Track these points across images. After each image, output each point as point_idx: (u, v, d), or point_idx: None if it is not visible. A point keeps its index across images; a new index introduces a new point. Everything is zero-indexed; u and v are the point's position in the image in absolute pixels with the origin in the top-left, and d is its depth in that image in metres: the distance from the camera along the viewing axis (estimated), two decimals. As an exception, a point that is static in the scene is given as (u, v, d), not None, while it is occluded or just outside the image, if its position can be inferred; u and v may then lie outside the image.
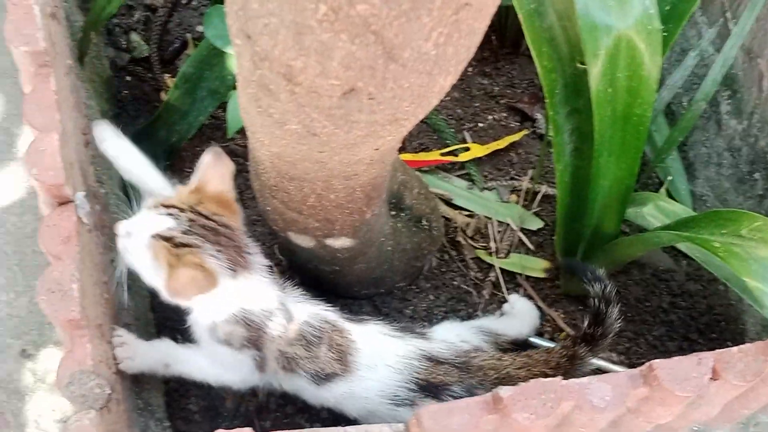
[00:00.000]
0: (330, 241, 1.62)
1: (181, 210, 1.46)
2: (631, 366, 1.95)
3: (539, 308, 1.98)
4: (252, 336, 1.53)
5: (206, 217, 1.46)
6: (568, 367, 1.69)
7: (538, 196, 2.13)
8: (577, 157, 1.73)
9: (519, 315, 1.91)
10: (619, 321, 1.70)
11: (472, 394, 1.64)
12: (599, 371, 1.92)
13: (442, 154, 2.16)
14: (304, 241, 1.64)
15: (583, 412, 1.44)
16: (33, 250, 1.87)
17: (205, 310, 1.52)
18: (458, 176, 2.16)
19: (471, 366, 1.65)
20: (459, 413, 1.42)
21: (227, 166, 1.49)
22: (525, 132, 2.22)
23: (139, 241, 1.46)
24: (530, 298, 2.00)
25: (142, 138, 1.98)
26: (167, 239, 1.44)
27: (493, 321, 1.87)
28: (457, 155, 2.15)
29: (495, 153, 2.19)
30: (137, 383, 1.72)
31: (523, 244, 2.08)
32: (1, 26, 1.57)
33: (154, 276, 1.46)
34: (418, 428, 1.41)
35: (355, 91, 0.99)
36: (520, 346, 1.89)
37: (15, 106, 2.02)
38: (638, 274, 2.06)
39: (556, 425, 1.46)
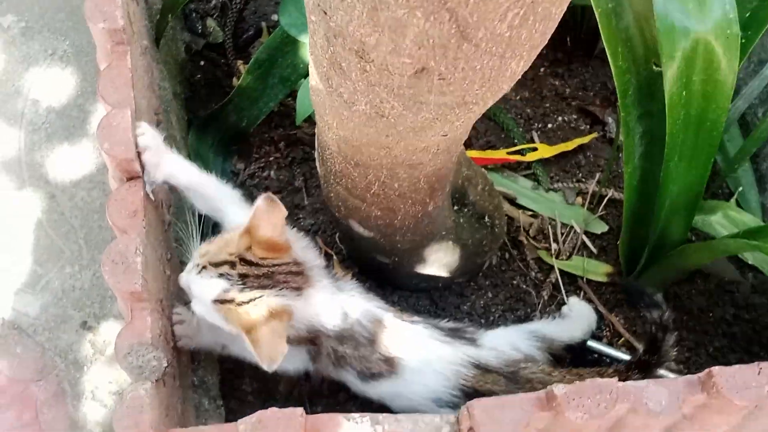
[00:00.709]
0: (390, 230, 1.63)
1: (231, 265, 1.45)
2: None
3: (599, 313, 1.95)
4: (311, 337, 1.54)
5: (258, 265, 1.45)
6: None
7: (605, 200, 2.10)
8: (646, 161, 1.70)
9: (575, 317, 1.89)
10: (676, 348, 1.68)
11: None
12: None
13: (509, 153, 2.14)
14: (365, 230, 1.65)
15: (638, 415, 1.42)
16: (99, 225, 1.90)
17: None
18: (524, 176, 2.14)
19: (519, 377, 1.64)
20: (511, 408, 1.41)
21: (280, 213, 1.46)
22: (594, 135, 2.19)
23: (204, 304, 1.48)
24: (590, 302, 1.98)
25: (211, 122, 2.01)
26: (228, 302, 1.45)
27: (547, 325, 1.84)
28: (524, 155, 2.14)
29: (562, 155, 2.17)
30: (193, 360, 1.75)
31: (586, 247, 2.06)
32: (81, 5, 1.60)
33: (236, 336, 1.46)
34: (469, 421, 1.40)
35: (426, 70, 0.99)
36: (575, 351, 1.87)
37: (90, 83, 2.05)
38: (702, 284, 2.02)
39: (609, 427, 1.44)
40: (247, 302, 1.43)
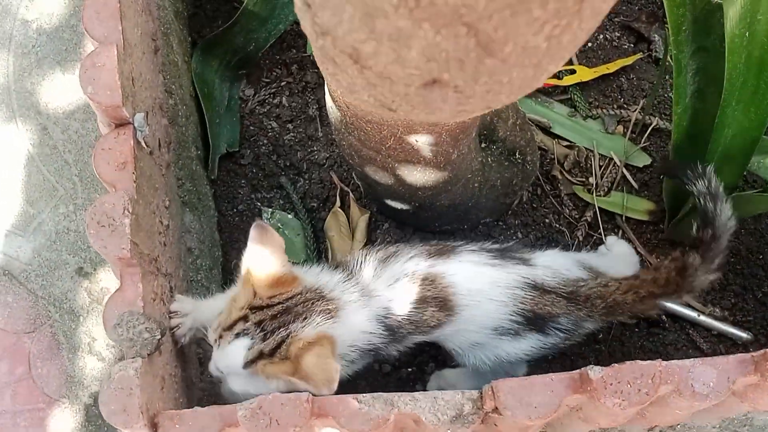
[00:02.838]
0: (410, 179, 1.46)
1: (244, 320, 1.34)
2: (735, 324, 1.77)
3: (638, 254, 1.79)
4: (370, 349, 1.44)
5: (269, 306, 1.35)
6: (680, 281, 1.53)
7: (649, 129, 1.91)
8: (699, 100, 1.54)
9: (620, 257, 1.73)
10: (732, 221, 1.53)
11: (579, 328, 1.54)
12: (706, 334, 1.76)
13: (544, 76, 1.95)
14: (382, 178, 1.48)
15: (683, 397, 1.28)
16: (96, 160, 1.75)
17: None
18: (560, 101, 1.95)
19: (579, 296, 1.51)
20: (541, 389, 1.28)
21: (273, 243, 1.35)
22: (639, 55, 1.98)
23: (239, 377, 1.36)
24: (629, 242, 1.82)
25: (217, 44, 1.83)
26: (259, 359, 1.33)
27: (594, 257, 1.69)
28: (560, 78, 1.94)
29: (603, 77, 1.97)
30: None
31: (626, 181, 1.89)
32: None
33: (287, 386, 1.33)
34: (493, 401, 1.27)
35: (438, 83, 0.80)
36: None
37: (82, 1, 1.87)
38: (753, 223, 1.85)
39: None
40: (277, 347, 1.32)
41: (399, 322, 1.43)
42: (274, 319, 1.33)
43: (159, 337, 1.31)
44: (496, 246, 1.57)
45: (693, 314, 1.76)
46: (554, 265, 1.55)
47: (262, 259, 1.36)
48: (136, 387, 1.24)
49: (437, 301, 1.45)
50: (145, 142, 1.42)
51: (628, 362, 1.26)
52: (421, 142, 1.29)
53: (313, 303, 1.36)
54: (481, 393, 1.29)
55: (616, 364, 1.26)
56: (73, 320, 1.67)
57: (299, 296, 1.36)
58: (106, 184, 1.38)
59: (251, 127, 1.88)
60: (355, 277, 1.43)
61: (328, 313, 1.36)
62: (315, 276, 1.42)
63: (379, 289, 1.44)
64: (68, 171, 1.76)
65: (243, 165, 1.85)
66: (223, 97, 1.86)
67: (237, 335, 1.33)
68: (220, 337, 1.36)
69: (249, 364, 1.33)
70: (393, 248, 1.49)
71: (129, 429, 1.24)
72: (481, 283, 1.48)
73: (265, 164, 1.85)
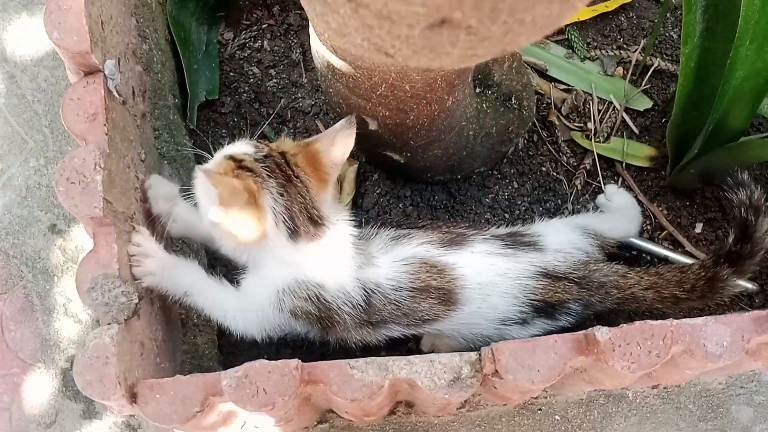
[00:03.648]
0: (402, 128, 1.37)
1: (270, 150, 1.30)
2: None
3: (639, 203, 1.71)
4: (321, 315, 1.34)
5: (288, 164, 1.29)
6: (707, 291, 1.47)
7: (650, 71, 1.81)
8: (707, 39, 1.45)
9: (621, 211, 1.66)
10: None
11: (590, 312, 1.48)
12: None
13: (539, 15, 1.84)
14: (371, 127, 1.39)
15: (694, 358, 1.21)
16: (67, 109, 1.65)
17: (266, 268, 1.32)
18: (556, 42, 1.85)
19: (591, 282, 1.45)
20: (544, 352, 1.21)
21: (347, 144, 1.29)
22: (639, -9, 1.88)
23: (210, 163, 1.30)
24: (629, 190, 1.73)
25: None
26: (236, 161, 1.27)
27: (595, 218, 1.62)
28: (556, 17, 1.84)
29: (602, 16, 1.87)
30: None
31: (626, 126, 1.80)
32: None
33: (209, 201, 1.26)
34: (493, 364, 1.20)
35: (448, 23, 0.69)
36: (624, 248, 1.65)
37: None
38: (758, 169, 1.76)
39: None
40: (247, 170, 1.26)
41: (385, 304, 1.35)
42: (277, 169, 1.28)
43: (136, 301, 1.22)
44: (506, 231, 1.49)
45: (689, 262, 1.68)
46: (563, 244, 1.48)
47: (328, 144, 1.29)
48: (112, 356, 1.16)
49: (441, 292, 1.38)
50: (117, 91, 1.32)
51: (637, 322, 1.18)
52: (416, 89, 1.19)
53: (301, 211, 1.28)
54: (480, 355, 1.22)
55: (624, 325, 1.18)
56: (47, 280, 1.58)
57: (306, 193, 1.29)
58: (76, 137, 1.28)
59: (231, 74, 1.77)
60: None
61: (295, 229, 1.28)
62: (334, 212, 1.35)
63: (380, 260, 1.36)
64: (38, 122, 1.65)
65: (223, 113, 1.75)
66: (200, 41, 1.75)
67: (254, 146, 1.30)
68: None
69: (228, 157, 1.28)
70: (405, 231, 1.42)
71: (106, 400, 1.17)
72: (492, 276, 1.41)
73: (247, 112, 1.75)
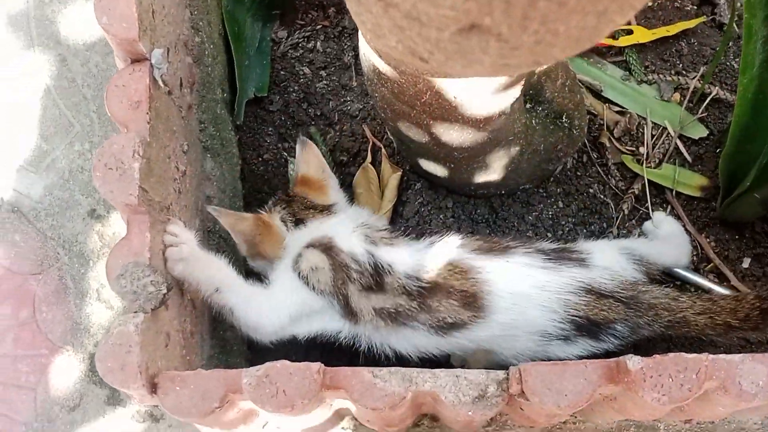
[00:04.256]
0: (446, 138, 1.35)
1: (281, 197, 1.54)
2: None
3: (687, 232, 1.67)
4: (335, 276, 1.37)
5: (287, 194, 1.53)
6: (760, 322, 1.43)
7: (707, 99, 1.77)
8: (767, 70, 1.39)
9: (670, 239, 1.63)
10: None
11: (637, 337, 1.45)
12: None
13: (598, 35, 1.80)
14: (416, 135, 1.37)
15: (728, 395, 1.17)
16: (117, 96, 1.65)
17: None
18: (613, 63, 1.82)
19: (640, 303, 1.42)
20: (573, 376, 1.17)
21: (312, 156, 1.52)
22: (702, 19, 1.84)
23: None
24: (678, 218, 1.69)
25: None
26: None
27: (643, 244, 1.59)
28: (616, 38, 1.81)
29: (662, 40, 1.83)
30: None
31: (679, 153, 1.76)
32: None
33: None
34: (520, 384, 1.17)
35: (477, 28, 0.66)
36: (668, 277, 1.63)
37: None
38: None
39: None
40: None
41: (395, 288, 1.38)
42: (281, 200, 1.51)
43: (165, 291, 1.21)
44: (554, 246, 1.47)
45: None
46: (611, 263, 1.46)
47: (304, 163, 1.52)
48: (135, 344, 1.15)
49: (463, 295, 1.36)
50: (162, 81, 1.32)
51: (671, 353, 1.15)
52: (461, 98, 1.17)
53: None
54: (508, 375, 1.19)
55: (657, 355, 1.15)
56: (83, 264, 1.58)
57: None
58: (118, 124, 1.28)
59: (282, 72, 1.77)
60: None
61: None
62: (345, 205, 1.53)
63: (400, 246, 1.42)
64: (86, 106, 1.66)
65: (271, 111, 1.74)
66: (254, 37, 1.75)
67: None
68: None
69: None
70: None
71: (126, 389, 1.16)
72: (527, 287, 1.39)
73: (295, 112, 1.74)
